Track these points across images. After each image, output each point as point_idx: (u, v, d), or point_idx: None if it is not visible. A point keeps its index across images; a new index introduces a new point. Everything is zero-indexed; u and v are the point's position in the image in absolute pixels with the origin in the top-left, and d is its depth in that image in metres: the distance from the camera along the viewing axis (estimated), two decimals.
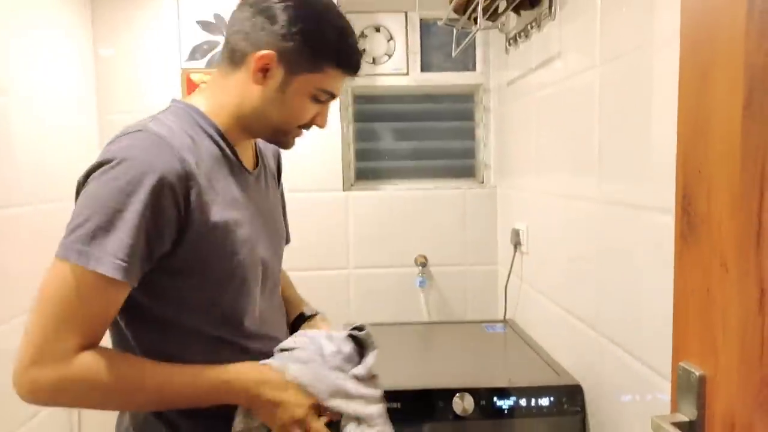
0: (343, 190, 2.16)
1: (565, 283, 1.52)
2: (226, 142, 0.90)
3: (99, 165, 0.78)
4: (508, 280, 1.98)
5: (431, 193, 2.19)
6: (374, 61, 2.19)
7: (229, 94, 0.89)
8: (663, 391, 1.03)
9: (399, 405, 1.40)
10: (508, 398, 1.39)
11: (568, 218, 1.48)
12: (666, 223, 0.95)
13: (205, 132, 0.88)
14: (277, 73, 0.86)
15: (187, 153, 0.81)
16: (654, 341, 1.05)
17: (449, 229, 2.18)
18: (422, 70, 2.21)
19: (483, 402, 1.40)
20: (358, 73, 0.93)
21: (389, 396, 1.41)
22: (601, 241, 1.28)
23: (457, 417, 1.39)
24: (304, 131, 0.94)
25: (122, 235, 0.74)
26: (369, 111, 2.27)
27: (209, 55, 2.06)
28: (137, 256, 0.75)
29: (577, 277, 1.43)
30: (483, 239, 2.19)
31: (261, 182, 0.99)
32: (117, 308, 0.78)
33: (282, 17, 0.84)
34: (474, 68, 2.22)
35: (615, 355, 1.22)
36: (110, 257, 0.73)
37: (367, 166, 2.28)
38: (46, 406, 0.78)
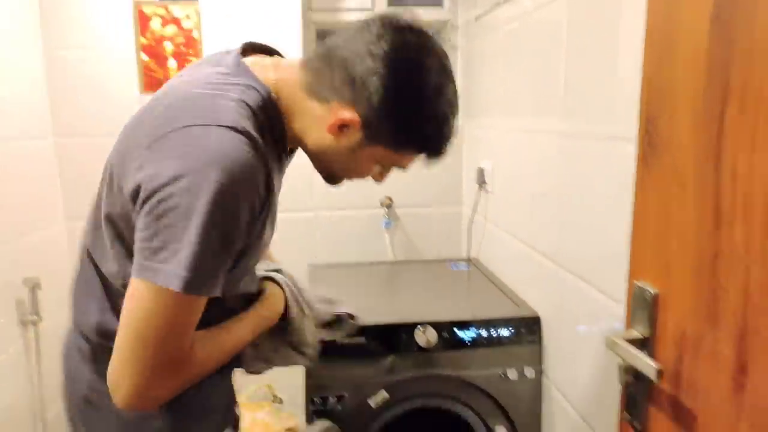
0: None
1: (528, 220, 1.54)
2: (285, 152, 0.84)
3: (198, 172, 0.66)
4: (472, 219, 2.00)
5: None
6: None
7: (301, 113, 0.78)
8: (618, 317, 1.07)
9: (364, 340, 1.42)
10: (469, 329, 1.43)
11: (532, 155, 1.48)
12: (628, 151, 0.95)
13: (275, 139, 0.78)
14: (354, 136, 0.75)
15: (268, 176, 0.73)
16: (611, 268, 1.08)
17: (414, 171, 2.14)
18: (389, 4, 2.13)
19: (445, 334, 1.43)
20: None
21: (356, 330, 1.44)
22: (563, 175, 1.29)
23: (420, 349, 1.42)
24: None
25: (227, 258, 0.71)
26: None
27: None
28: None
29: (539, 212, 1.45)
30: (448, 180, 2.19)
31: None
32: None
33: (380, 87, 0.70)
34: (441, 4, 2.16)
35: (573, 285, 1.25)
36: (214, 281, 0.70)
37: None
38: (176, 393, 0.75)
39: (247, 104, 0.72)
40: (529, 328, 1.44)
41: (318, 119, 0.76)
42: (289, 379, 1.70)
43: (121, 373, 0.67)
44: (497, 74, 1.74)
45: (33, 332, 1.71)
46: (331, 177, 0.86)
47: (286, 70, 0.79)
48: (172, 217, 0.64)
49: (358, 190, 2.12)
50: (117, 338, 0.67)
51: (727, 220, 0.59)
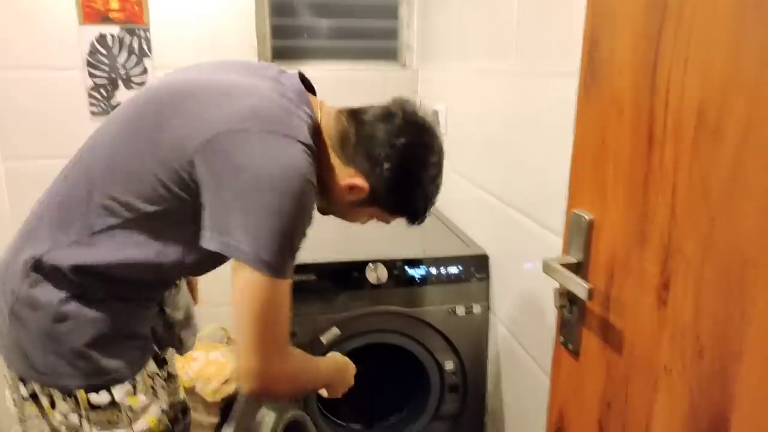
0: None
1: (479, 161, 1.55)
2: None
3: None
4: None
5: (352, 74, 2.11)
6: None
7: (326, 159, 0.91)
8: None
9: (314, 277, 1.43)
10: (419, 267, 1.45)
11: (484, 96, 1.48)
12: (574, 87, 0.96)
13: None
14: (360, 196, 0.92)
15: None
16: (554, 204, 1.10)
17: None
18: None
19: (396, 272, 1.45)
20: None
21: (306, 269, 1.44)
22: (513, 115, 1.29)
23: (371, 286, 1.44)
24: None
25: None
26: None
27: None
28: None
29: (490, 153, 1.46)
30: None
31: None
32: None
33: (391, 170, 0.88)
34: None
35: (520, 223, 1.28)
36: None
37: (284, 45, 2.15)
38: (277, 390, 0.87)
39: (308, 132, 0.84)
40: (477, 266, 1.48)
41: (336, 172, 0.91)
42: None
43: (251, 358, 0.77)
44: (452, 15, 1.71)
45: None
46: (325, 213, 1.01)
47: (326, 115, 0.93)
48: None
49: None
50: (241, 329, 0.77)
51: (659, 140, 0.60)
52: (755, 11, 0.48)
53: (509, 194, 1.35)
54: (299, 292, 1.45)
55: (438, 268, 1.46)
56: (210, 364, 1.95)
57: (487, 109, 1.45)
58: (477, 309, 1.49)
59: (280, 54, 2.15)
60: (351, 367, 1.14)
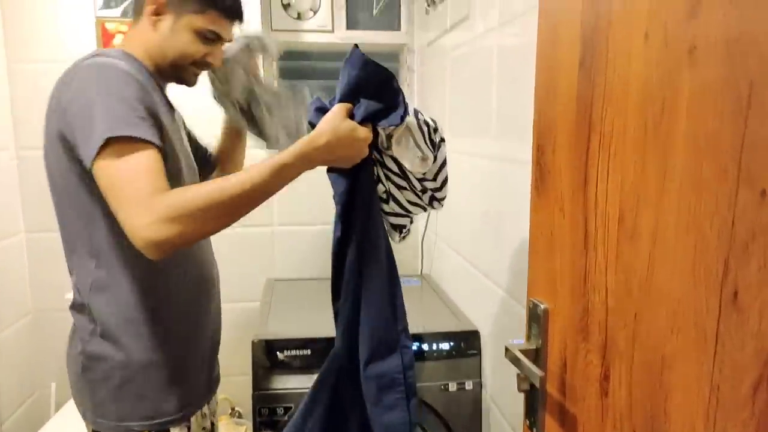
0: (267, 148, 2.16)
1: (470, 238, 1.61)
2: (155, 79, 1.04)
3: None
4: (423, 236, 2.07)
5: None
6: (299, 17, 2.18)
7: (139, 40, 1.03)
8: None
9: (309, 351, 1.47)
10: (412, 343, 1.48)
11: (472, 175, 1.56)
12: None
13: (141, 71, 1.00)
14: (168, 16, 1.01)
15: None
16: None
17: None
18: (348, 27, 2.21)
19: None
20: (241, 18, 1.08)
21: (302, 344, 1.49)
22: (497, 197, 1.36)
23: None
24: (202, 70, 1.09)
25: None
26: (294, 68, 2.26)
27: (124, 4, 1.99)
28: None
29: (478, 230, 1.52)
30: None
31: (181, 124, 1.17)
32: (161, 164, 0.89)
33: None
34: (399, 28, 2.25)
35: (504, 301, 1.32)
36: None
37: None
38: (185, 235, 0.85)
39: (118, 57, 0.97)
40: (468, 342, 1.51)
41: (145, 27, 1.01)
42: (244, 393, 1.73)
43: (125, 222, 0.83)
44: (445, 98, 1.83)
45: None
46: (178, 71, 1.05)
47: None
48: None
49: (315, 205, 2.18)
50: (110, 205, 0.86)
51: (592, 242, 0.66)
52: (654, 130, 0.55)
53: (495, 273, 1.40)
54: (296, 366, 1.50)
55: (430, 344, 1.49)
56: None
57: (475, 187, 1.53)
58: (469, 385, 1.50)
59: None
60: (356, 132, 0.94)
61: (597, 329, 0.66)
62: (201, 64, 1.06)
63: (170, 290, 1.03)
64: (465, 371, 1.50)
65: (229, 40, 1.09)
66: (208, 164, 1.31)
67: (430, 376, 1.50)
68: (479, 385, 1.51)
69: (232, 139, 1.34)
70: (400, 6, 2.22)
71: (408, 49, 2.25)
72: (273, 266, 2.19)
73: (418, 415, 1.03)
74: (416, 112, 1.00)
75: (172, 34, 1.01)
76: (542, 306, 0.78)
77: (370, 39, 2.21)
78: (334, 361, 1.07)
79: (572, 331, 0.72)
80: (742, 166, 0.45)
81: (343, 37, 2.20)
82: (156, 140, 0.88)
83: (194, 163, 1.17)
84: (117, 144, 0.84)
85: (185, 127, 1.22)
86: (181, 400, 1.05)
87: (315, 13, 2.18)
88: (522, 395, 1.21)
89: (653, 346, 0.57)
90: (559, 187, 0.73)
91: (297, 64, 2.26)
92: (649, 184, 0.56)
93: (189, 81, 1.09)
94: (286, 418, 1.47)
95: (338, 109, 0.95)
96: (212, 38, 1.04)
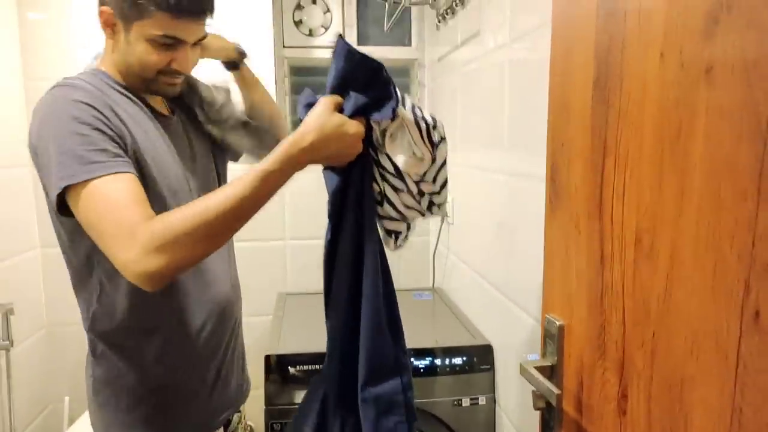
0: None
1: (482, 252, 1.61)
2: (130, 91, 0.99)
3: None
4: (435, 250, 2.07)
5: None
6: (311, 33, 2.20)
7: (108, 55, 0.99)
8: None
9: (318, 367, 1.47)
10: (425, 358, 1.48)
11: (484, 189, 1.56)
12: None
13: (112, 87, 0.97)
14: (119, 27, 0.94)
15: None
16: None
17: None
18: (359, 43, 2.23)
19: None
20: (201, 13, 0.95)
21: (315, 359, 1.49)
22: (509, 211, 1.37)
23: None
24: (174, 79, 0.99)
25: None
26: (306, 84, 2.28)
27: None
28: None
29: (491, 245, 1.52)
30: None
31: (179, 127, 1.10)
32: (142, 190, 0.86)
33: None
34: (409, 43, 2.27)
35: (517, 315, 1.31)
36: None
37: None
38: (176, 263, 0.81)
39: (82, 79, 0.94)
40: (482, 356, 1.50)
41: (107, 42, 0.98)
42: (256, 408, 1.73)
43: (115, 257, 0.80)
44: (456, 112, 1.84)
45: (5, 358, 1.74)
46: (147, 83, 0.98)
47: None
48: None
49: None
50: (95, 240, 0.83)
51: (608, 260, 0.66)
52: (670, 151, 0.55)
53: (508, 287, 1.39)
54: (307, 384, 1.50)
55: (443, 359, 1.49)
56: None
57: (487, 202, 1.53)
58: (482, 401, 1.49)
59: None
60: (345, 127, 0.85)
61: (614, 347, 0.66)
62: (169, 72, 0.97)
63: (171, 314, 1.01)
64: (478, 386, 1.50)
65: (201, 39, 0.99)
66: (265, 133, 1.29)
67: (443, 391, 1.49)
68: (493, 401, 1.50)
69: (248, 89, 1.31)
70: (410, 21, 2.24)
71: (419, 64, 2.26)
72: (285, 280, 2.20)
73: None
74: (413, 107, 0.92)
75: (128, 46, 0.94)
76: (558, 323, 0.78)
77: (381, 54, 2.22)
78: (319, 387, 1.00)
79: (589, 348, 0.71)
80: (762, 188, 0.45)
81: None
82: (122, 168, 0.84)
83: (188, 170, 1.07)
84: (79, 186, 0.81)
85: (189, 130, 1.12)
86: (191, 422, 1.05)
87: (326, 29, 2.20)
88: (534, 411, 1.20)
89: (672, 365, 0.56)
90: (575, 205, 0.73)
91: (309, 80, 2.28)
92: (666, 204, 0.56)
93: (165, 92, 1.00)
94: None
95: (324, 103, 0.86)
96: (170, 43, 0.94)
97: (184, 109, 1.13)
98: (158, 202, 0.92)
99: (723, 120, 0.49)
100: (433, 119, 0.95)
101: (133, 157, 0.90)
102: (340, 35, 0.91)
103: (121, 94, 0.97)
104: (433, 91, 2.18)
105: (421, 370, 1.48)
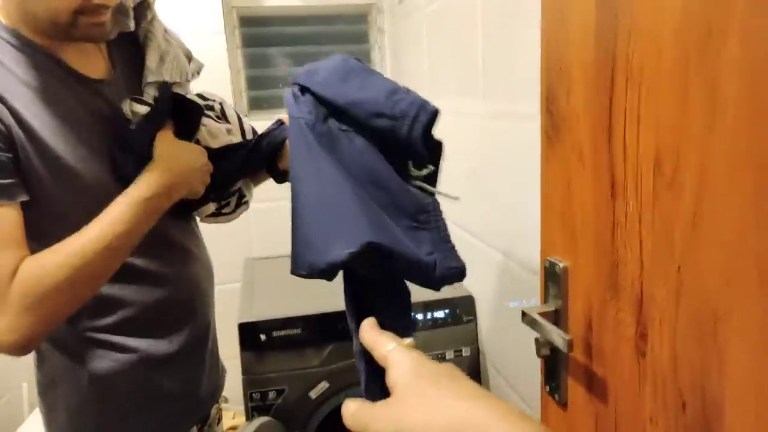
0: None
1: (462, 198, 1.55)
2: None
3: None
4: None
5: None
6: None
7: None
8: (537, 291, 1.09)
9: (299, 330, 1.41)
10: None
11: (458, 136, 1.49)
12: (536, 128, 0.97)
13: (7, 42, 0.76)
14: None
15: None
16: (530, 243, 1.10)
17: None
18: None
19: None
20: None
21: (291, 323, 1.42)
22: (486, 156, 1.30)
23: None
24: (100, 16, 0.76)
25: None
26: (258, 35, 2.13)
27: None
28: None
29: (467, 192, 1.46)
30: None
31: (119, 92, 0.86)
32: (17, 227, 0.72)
33: None
34: None
35: (500, 262, 1.27)
36: None
37: (260, 95, 2.17)
38: (45, 330, 0.72)
39: None
40: (464, 308, 1.46)
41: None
42: (231, 378, 1.67)
43: None
44: (423, 57, 1.74)
45: None
46: (62, 26, 0.75)
47: None
48: None
49: None
50: None
51: (621, 192, 0.60)
52: (697, 55, 0.49)
53: (487, 234, 1.34)
54: (286, 346, 1.43)
55: (424, 313, 1.44)
56: None
57: (462, 148, 1.47)
58: (466, 352, 1.46)
59: (256, 104, 2.17)
60: (186, 150, 0.86)
61: (629, 285, 0.61)
62: (89, 9, 0.74)
63: (126, 314, 0.88)
64: (461, 338, 1.46)
65: None
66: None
67: (426, 345, 1.45)
68: (477, 351, 1.47)
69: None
70: None
71: (377, 9, 2.14)
72: (251, 245, 2.10)
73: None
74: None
75: None
76: (560, 264, 0.73)
77: (336, 0, 2.10)
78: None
79: (599, 289, 0.66)
80: None
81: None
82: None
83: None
84: None
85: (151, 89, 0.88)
86: (148, 427, 0.93)
87: None
88: (526, 358, 1.18)
89: (702, 299, 0.51)
90: (577, 135, 0.67)
91: (260, 31, 2.13)
92: (692, 120, 0.50)
93: (92, 36, 0.78)
94: (280, 401, 1.41)
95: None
96: None
97: (130, 62, 0.90)
98: (71, 221, 0.75)
99: (764, 14, 0.43)
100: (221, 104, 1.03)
101: (23, 157, 0.72)
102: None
103: (19, 51, 0.75)
104: (395, 35, 2.07)
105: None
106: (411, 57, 1.88)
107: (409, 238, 0.75)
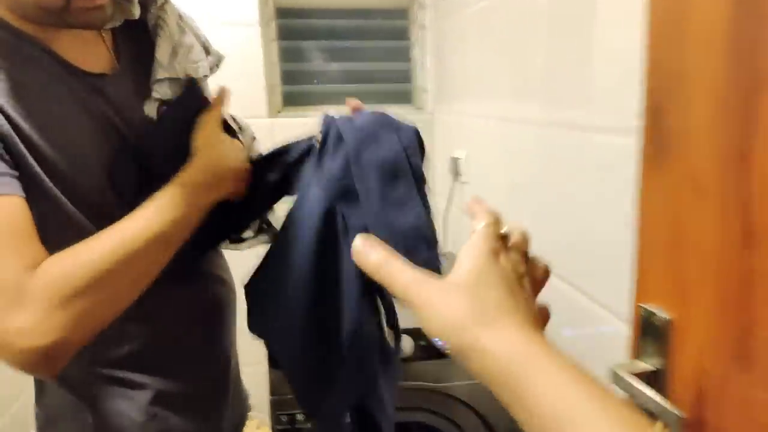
0: (269, 116, 1.95)
1: (505, 214, 1.42)
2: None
3: None
4: (446, 212, 1.88)
5: None
6: None
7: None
8: (599, 320, 0.96)
9: None
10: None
11: (509, 144, 1.36)
12: (622, 144, 0.83)
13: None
14: None
15: None
16: (603, 276, 0.97)
17: None
18: None
19: (422, 342, 1.31)
20: None
21: None
22: (544, 168, 1.17)
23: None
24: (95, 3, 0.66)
25: None
26: (295, 27, 2.03)
27: None
28: None
29: (517, 206, 1.33)
30: None
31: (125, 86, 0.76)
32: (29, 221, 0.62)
33: None
34: None
35: (553, 285, 1.14)
36: None
37: (294, 90, 2.07)
38: (77, 338, 0.61)
39: None
40: None
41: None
42: (256, 384, 1.58)
43: None
44: (470, 55, 1.61)
45: None
46: (67, 19, 0.66)
47: None
48: None
49: None
50: None
51: (761, 239, 0.47)
52: None
53: (542, 254, 1.21)
54: None
55: None
56: None
57: (514, 159, 1.34)
58: None
59: (291, 100, 2.07)
60: (221, 145, 0.75)
61: (767, 356, 0.48)
62: None
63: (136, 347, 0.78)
64: None
65: None
66: None
67: (464, 373, 1.33)
68: None
69: None
70: None
71: (419, 4, 2.01)
72: None
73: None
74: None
75: None
76: (663, 316, 0.60)
77: None
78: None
79: (721, 355, 0.53)
80: None
81: None
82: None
83: (134, 156, 0.76)
84: None
85: (143, 91, 0.76)
86: None
87: None
88: None
89: None
90: (695, 161, 0.54)
91: (298, 23, 2.03)
92: None
93: (88, 21, 0.68)
94: (308, 425, 1.31)
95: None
96: None
97: (139, 53, 0.78)
98: (70, 227, 0.67)
99: None
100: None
101: (20, 159, 0.62)
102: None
103: (16, 39, 0.65)
104: (439, 32, 1.94)
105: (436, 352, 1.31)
106: (456, 56, 1.75)
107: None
